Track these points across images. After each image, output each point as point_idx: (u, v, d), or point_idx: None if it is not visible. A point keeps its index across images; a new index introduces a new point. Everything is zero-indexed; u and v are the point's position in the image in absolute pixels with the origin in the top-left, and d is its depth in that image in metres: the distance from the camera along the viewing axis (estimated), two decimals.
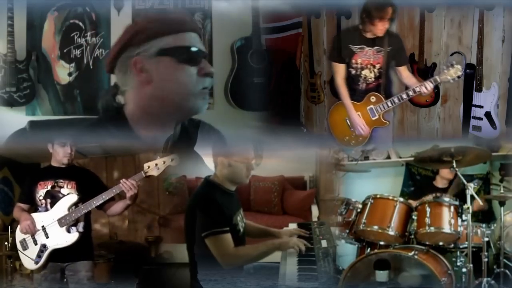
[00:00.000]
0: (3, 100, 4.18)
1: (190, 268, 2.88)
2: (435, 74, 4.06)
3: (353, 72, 3.74)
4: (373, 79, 3.73)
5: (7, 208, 3.61)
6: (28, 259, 3.30)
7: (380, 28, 3.56)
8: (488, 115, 3.82)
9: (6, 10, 4.13)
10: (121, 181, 3.14)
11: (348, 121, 3.80)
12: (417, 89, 3.59)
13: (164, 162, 3.07)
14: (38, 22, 4.38)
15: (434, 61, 4.09)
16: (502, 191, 3.64)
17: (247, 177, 2.91)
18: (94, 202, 3.22)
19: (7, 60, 4.16)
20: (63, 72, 4.43)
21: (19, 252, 3.36)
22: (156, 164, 3.09)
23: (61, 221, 3.26)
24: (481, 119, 3.85)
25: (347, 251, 3.84)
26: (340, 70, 3.76)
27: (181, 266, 3.58)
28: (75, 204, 3.28)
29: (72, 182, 3.33)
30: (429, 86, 3.57)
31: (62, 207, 3.28)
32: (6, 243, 3.77)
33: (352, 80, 3.77)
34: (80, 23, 4.41)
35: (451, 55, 4.02)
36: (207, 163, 3.10)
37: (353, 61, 3.72)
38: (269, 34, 4.53)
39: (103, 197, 3.21)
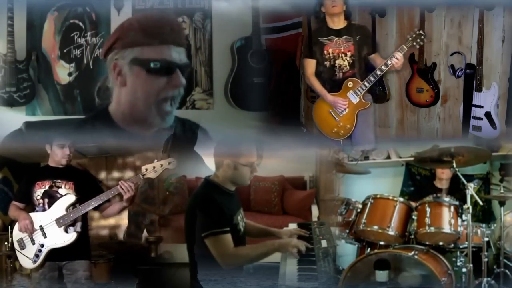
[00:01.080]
0: (3, 100, 4.18)
1: (190, 268, 2.88)
2: (434, 74, 4.10)
3: (328, 64, 3.84)
4: (347, 67, 3.82)
5: (7, 208, 3.60)
6: (26, 258, 3.32)
7: (331, 4, 3.74)
8: (488, 115, 3.82)
9: (6, 10, 4.13)
10: (119, 182, 3.16)
11: (332, 111, 3.84)
12: (389, 62, 3.68)
13: (161, 165, 3.12)
14: (38, 22, 4.38)
15: (434, 61, 4.09)
16: (502, 191, 3.63)
17: (249, 180, 2.92)
18: (93, 203, 3.23)
19: (7, 60, 4.17)
20: (63, 72, 4.43)
21: (16, 251, 3.37)
22: (154, 167, 3.13)
23: (59, 221, 3.27)
24: (481, 119, 3.85)
25: (347, 251, 3.84)
26: (310, 64, 3.90)
27: (181, 266, 3.58)
28: (73, 205, 3.30)
29: (69, 182, 3.35)
30: (398, 55, 3.66)
31: (60, 207, 3.29)
32: (6, 243, 3.77)
33: (329, 73, 3.85)
34: (80, 23, 4.41)
35: (451, 55, 4.03)
36: (207, 163, 3.10)
37: (325, 52, 3.84)
38: (269, 34, 4.53)
39: (101, 198, 3.23)
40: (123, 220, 4.79)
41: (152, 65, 2.49)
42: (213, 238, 2.73)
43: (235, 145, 2.90)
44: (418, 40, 3.67)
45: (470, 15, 3.92)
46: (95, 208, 3.30)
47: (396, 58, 3.65)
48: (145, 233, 4.67)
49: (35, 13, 4.37)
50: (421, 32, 3.68)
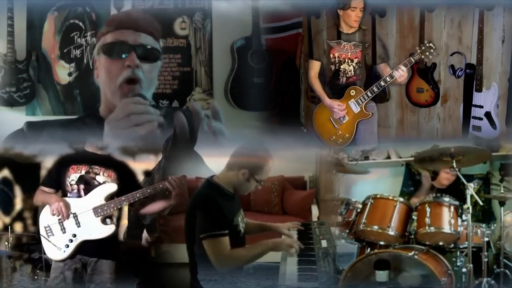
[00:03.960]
0: (3, 100, 4.18)
1: (190, 268, 2.88)
2: (434, 74, 4.10)
3: (333, 68, 3.82)
4: (352, 72, 3.79)
5: (7, 208, 3.59)
6: (53, 248, 3.08)
7: (354, 18, 3.69)
8: (488, 115, 3.82)
9: (6, 10, 4.14)
10: (169, 177, 2.99)
11: (332, 119, 3.84)
12: (393, 74, 3.64)
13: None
14: (38, 22, 4.38)
15: (434, 61, 4.08)
16: (502, 191, 3.63)
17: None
18: (139, 195, 3.01)
19: (7, 60, 4.17)
20: (63, 72, 4.43)
21: (42, 238, 3.12)
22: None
23: (97, 211, 3.05)
24: (481, 119, 3.85)
25: (347, 251, 3.83)
26: (314, 66, 3.89)
27: (181, 266, 3.58)
28: (113, 195, 3.07)
29: (109, 171, 3.12)
30: (401, 70, 3.61)
31: (98, 195, 3.06)
32: (6, 243, 3.77)
33: (333, 76, 3.83)
34: (80, 23, 4.41)
35: (451, 55, 4.03)
36: (207, 163, 3.09)
37: (331, 55, 3.80)
38: (269, 34, 4.53)
39: (148, 191, 3.01)
40: (123, 220, 4.79)
41: (106, 48, 2.58)
42: (210, 240, 2.73)
43: (254, 153, 2.90)
44: (427, 53, 3.59)
45: (470, 15, 3.91)
46: (131, 204, 3.09)
47: (399, 71, 3.60)
48: (145, 233, 4.67)
49: (35, 13, 4.37)
50: (431, 45, 3.59)
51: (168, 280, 3.95)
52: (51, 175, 3.23)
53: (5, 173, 4.40)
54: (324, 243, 3.06)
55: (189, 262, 2.87)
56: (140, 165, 3.20)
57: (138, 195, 3.02)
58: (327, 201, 4.52)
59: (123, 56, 2.55)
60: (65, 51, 4.41)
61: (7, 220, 4.07)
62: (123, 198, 3.04)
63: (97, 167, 3.12)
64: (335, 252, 3.47)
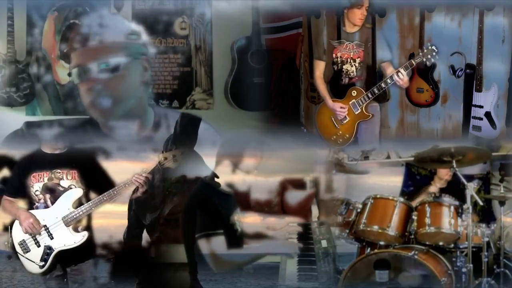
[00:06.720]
0: (3, 100, 4.18)
1: (189, 269, 2.87)
2: (434, 74, 4.10)
3: (336, 68, 3.82)
4: (354, 73, 3.78)
5: None
6: (31, 263, 3.05)
7: (359, 16, 3.68)
8: (488, 115, 3.82)
9: (6, 10, 4.14)
10: (134, 176, 2.91)
11: (333, 118, 3.83)
12: (393, 77, 3.63)
13: (181, 153, 2.86)
14: (38, 22, 4.38)
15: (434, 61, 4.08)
16: (502, 191, 3.63)
17: None
18: (104, 198, 2.95)
19: (7, 60, 4.17)
20: (63, 72, 4.43)
21: (19, 255, 3.10)
22: (174, 156, 2.86)
23: (67, 220, 2.98)
24: (481, 119, 3.85)
25: (347, 251, 3.84)
26: (319, 66, 3.88)
27: (181, 266, 3.58)
28: (80, 200, 3.01)
29: (72, 171, 3.02)
30: (400, 73, 3.61)
31: (65, 204, 2.99)
32: (6, 243, 3.76)
33: (336, 77, 3.83)
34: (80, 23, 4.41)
35: (451, 55, 4.03)
36: (207, 163, 3.10)
37: (334, 55, 3.80)
38: (269, 34, 4.54)
39: (114, 193, 2.94)
40: (123, 220, 4.78)
41: None
42: (206, 240, 2.72)
43: (237, 146, 2.90)
44: (429, 56, 3.57)
45: (470, 15, 3.92)
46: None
47: (398, 74, 3.59)
48: (145, 233, 4.67)
49: (35, 13, 4.37)
50: (433, 48, 3.57)
51: (168, 280, 3.95)
52: (14, 183, 3.14)
53: (5, 173, 4.41)
54: (324, 243, 3.07)
55: (188, 262, 2.87)
56: (140, 165, 3.18)
57: (104, 198, 2.95)
58: (327, 201, 4.52)
59: None
60: (65, 51, 4.41)
61: (7, 220, 4.07)
62: (90, 204, 2.97)
63: (59, 170, 3.01)
64: (335, 252, 3.48)
